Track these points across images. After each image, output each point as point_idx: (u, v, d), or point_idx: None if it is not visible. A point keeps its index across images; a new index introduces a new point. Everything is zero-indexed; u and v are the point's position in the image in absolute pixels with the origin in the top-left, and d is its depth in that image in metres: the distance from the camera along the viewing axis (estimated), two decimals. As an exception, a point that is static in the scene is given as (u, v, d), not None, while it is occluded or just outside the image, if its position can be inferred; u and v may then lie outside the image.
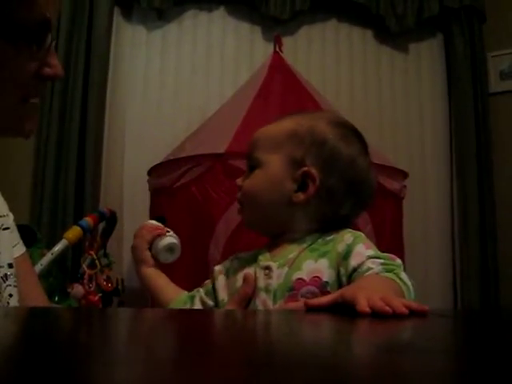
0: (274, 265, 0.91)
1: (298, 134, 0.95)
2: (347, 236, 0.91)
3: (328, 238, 0.92)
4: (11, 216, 0.97)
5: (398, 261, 0.85)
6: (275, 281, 0.88)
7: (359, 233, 0.93)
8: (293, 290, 0.87)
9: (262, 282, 0.90)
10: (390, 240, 2.43)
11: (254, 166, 0.97)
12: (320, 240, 0.92)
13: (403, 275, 0.81)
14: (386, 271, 0.80)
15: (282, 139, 0.95)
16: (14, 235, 0.97)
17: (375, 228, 2.33)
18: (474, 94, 3.28)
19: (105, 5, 2.89)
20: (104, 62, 2.91)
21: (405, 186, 2.60)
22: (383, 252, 0.87)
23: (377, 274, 0.80)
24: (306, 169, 0.93)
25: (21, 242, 0.99)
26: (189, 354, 0.37)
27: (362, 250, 0.87)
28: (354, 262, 0.85)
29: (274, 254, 0.94)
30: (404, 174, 2.61)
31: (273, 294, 0.88)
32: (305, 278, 0.87)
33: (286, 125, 0.97)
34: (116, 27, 3.04)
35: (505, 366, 0.32)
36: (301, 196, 0.93)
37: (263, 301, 0.88)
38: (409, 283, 0.80)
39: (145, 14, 3.10)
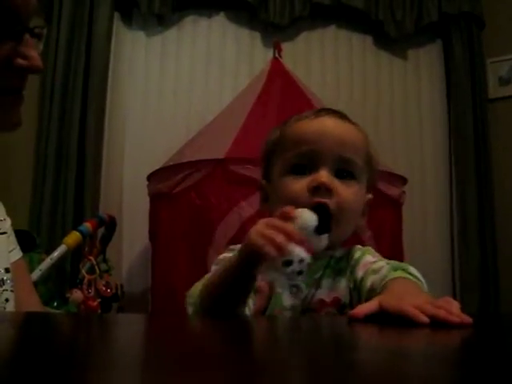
0: (303, 286, 0.86)
1: (368, 154, 0.93)
2: (357, 252, 0.90)
3: (339, 255, 0.91)
4: (9, 221, 0.96)
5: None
6: (302, 302, 0.85)
7: (368, 247, 0.93)
8: (314, 311, 0.84)
9: (287, 301, 0.85)
10: (389, 246, 2.43)
11: (351, 172, 0.88)
12: (334, 257, 0.90)
13: (412, 269, 0.79)
14: (394, 269, 0.79)
15: (365, 155, 0.92)
16: (11, 240, 0.96)
17: (375, 234, 2.33)
18: (473, 99, 3.29)
19: (105, 10, 2.90)
20: (104, 68, 2.91)
21: (404, 192, 2.60)
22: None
23: (393, 275, 0.77)
24: (371, 197, 0.94)
25: (18, 247, 0.98)
26: (188, 360, 0.37)
27: (369, 259, 0.86)
28: (360, 272, 0.84)
29: None
30: (403, 180, 2.61)
31: (298, 315, 0.85)
32: (326, 298, 0.85)
33: (364, 138, 0.94)
34: (116, 32, 3.04)
35: (505, 372, 0.32)
36: (362, 221, 0.94)
37: None
38: (422, 279, 0.78)
39: (144, 19, 3.11)
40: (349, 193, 0.86)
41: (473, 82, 3.30)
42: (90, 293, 2.25)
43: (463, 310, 0.60)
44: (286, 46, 3.02)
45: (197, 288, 0.82)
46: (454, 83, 3.36)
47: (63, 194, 2.76)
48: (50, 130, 2.80)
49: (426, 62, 3.46)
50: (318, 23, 3.31)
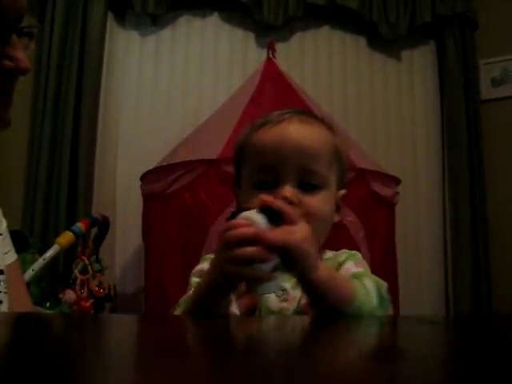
0: (288, 286, 0.85)
1: (336, 151, 0.91)
2: (342, 256, 0.89)
3: (326, 258, 0.90)
4: (4, 222, 0.96)
5: (382, 282, 0.83)
6: (291, 304, 0.83)
7: (354, 252, 0.91)
8: (302, 313, 0.83)
9: (275, 305, 0.84)
10: (382, 246, 2.44)
11: (316, 184, 0.86)
12: (321, 260, 0.87)
13: (369, 282, 0.79)
14: (355, 276, 0.80)
15: (331, 156, 0.89)
16: (6, 242, 0.96)
17: (368, 234, 2.33)
18: (466, 100, 3.30)
19: (98, 10, 2.89)
20: (97, 67, 2.90)
21: (397, 193, 2.61)
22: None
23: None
24: (343, 192, 0.92)
25: (13, 249, 0.98)
26: (183, 361, 0.37)
27: (350, 266, 0.85)
28: None
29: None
30: (397, 181, 2.62)
31: None
32: None
33: (327, 138, 0.90)
34: (109, 32, 3.03)
35: (497, 372, 0.32)
36: (337, 217, 0.92)
37: None
38: (372, 291, 0.77)
39: (138, 19, 3.10)
40: (315, 203, 0.85)
41: (466, 83, 3.32)
42: (82, 293, 2.25)
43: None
44: (279, 47, 3.02)
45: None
46: (447, 84, 3.37)
47: (56, 193, 2.75)
48: (43, 130, 2.79)
49: (420, 62, 3.47)
50: (311, 24, 3.32)
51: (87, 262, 2.31)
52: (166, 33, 3.16)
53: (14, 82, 0.81)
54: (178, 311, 0.84)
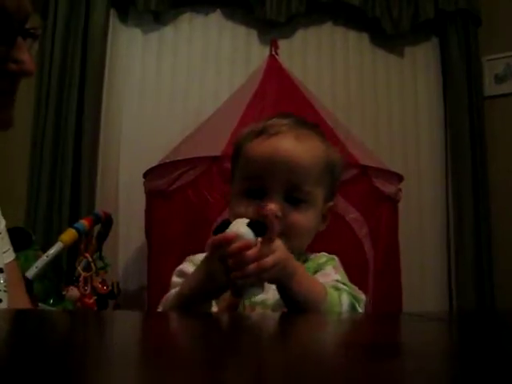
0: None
1: (328, 166, 0.95)
2: (322, 258, 0.95)
3: (303, 259, 0.95)
4: (3, 221, 0.96)
5: (362, 296, 0.89)
6: (271, 296, 0.88)
7: (333, 256, 0.96)
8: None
9: (258, 297, 0.87)
10: (385, 243, 2.44)
11: (302, 199, 0.91)
12: (300, 260, 0.93)
13: (345, 296, 0.84)
14: (336, 287, 0.86)
15: (321, 172, 0.93)
16: (4, 241, 0.96)
17: (371, 231, 2.33)
18: (469, 97, 3.29)
19: (101, 7, 2.89)
20: (100, 65, 2.90)
21: (400, 190, 2.60)
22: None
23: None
24: (332, 204, 0.97)
25: (11, 248, 0.98)
26: (186, 357, 0.37)
27: (331, 272, 0.91)
28: (321, 279, 0.88)
29: None
30: (399, 178, 2.61)
31: (271, 309, 0.89)
32: None
33: (319, 154, 0.94)
34: (112, 30, 3.03)
35: (501, 369, 0.32)
36: (323, 227, 0.97)
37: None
38: (344, 302, 0.83)
39: (141, 16, 3.10)
40: (298, 218, 0.89)
41: (469, 79, 3.31)
42: (86, 290, 2.25)
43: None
44: (282, 43, 3.01)
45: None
46: (450, 80, 3.36)
47: (59, 191, 2.76)
48: (46, 128, 2.79)
49: (423, 59, 3.46)
50: (314, 20, 3.31)
51: (90, 259, 2.32)
52: (169, 30, 3.16)
53: (18, 83, 0.81)
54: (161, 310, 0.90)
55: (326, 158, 0.94)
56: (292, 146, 0.91)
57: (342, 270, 0.94)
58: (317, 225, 0.95)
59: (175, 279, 0.94)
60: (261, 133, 0.94)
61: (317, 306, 0.80)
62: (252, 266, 0.73)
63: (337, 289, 0.85)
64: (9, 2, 0.75)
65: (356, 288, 0.89)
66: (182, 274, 0.94)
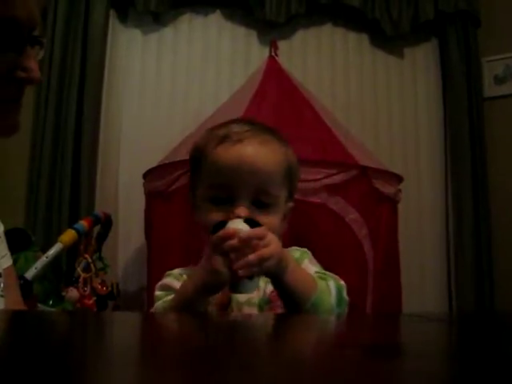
0: (256, 279, 0.92)
1: (288, 168, 0.97)
2: (296, 253, 0.98)
3: None
4: (1, 226, 0.96)
5: (342, 282, 0.92)
6: (256, 294, 0.91)
7: (305, 249, 1.00)
8: (270, 302, 0.92)
9: (243, 296, 0.91)
10: (385, 244, 2.43)
11: (268, 203, 0.93)
12: None
13: (332, 283, 0.90)
14: (320, 277, 0.90)
15: (284, 175, 0.95)
16: (3, 246, 0.96)
17: (370, 232, 2.33)
18: (469, 98, 3.29)
19: (100, 8, 2.89)
20: (99, 65, 2.90)
21: (400, 190, 2.60)
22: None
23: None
24: (292, 205, 0.99)
25: (8, 253, 0.98)
26: (186, 358, 0.37)
27: (307, 265, 0.96)
28: None
29: None
30: (399, 179, 2.61)
31: (258, 307, 0.92)
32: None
33: (281, 157, 0.96)
34: (112, 30, 3.03)
35: (501, 369, 0.32)
36: (285, 226, 0.99)
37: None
38: (332, 289, 0.89)
39: (140, 17, 3.10)
40: (267, 221, 0.90)
41: (468, 80, 3.31)
42: (85, 291, 2.25)
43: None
44: (282, 44, 3.02)
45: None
46: (450, 82, 3.36)
47: (59, 192, 2.76)
48: (46, 128, 2.79)
49: (422, 60, 3.46)
50: (314, 21, 3.31)
51: (90, 260, 2.32)
52: (168, 31, 3.16)
53: (24, 90, 0.82)
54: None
55: (286, 161, 0.96)
56: (257, 152, 0.93)
57: (315, 261, 0.98)
58: (281, 225, 0.97)
59: (159, 293, 0.96)
60: (224, 139, 0.94)
61: (309, 295, 0.85)
62: (253, 256, 0.79)
63: (322, 278, 0.90)
64: (19, 11, 0.76)
65: (336, 276, 0.93)
66: (166, 288, 0.96)
